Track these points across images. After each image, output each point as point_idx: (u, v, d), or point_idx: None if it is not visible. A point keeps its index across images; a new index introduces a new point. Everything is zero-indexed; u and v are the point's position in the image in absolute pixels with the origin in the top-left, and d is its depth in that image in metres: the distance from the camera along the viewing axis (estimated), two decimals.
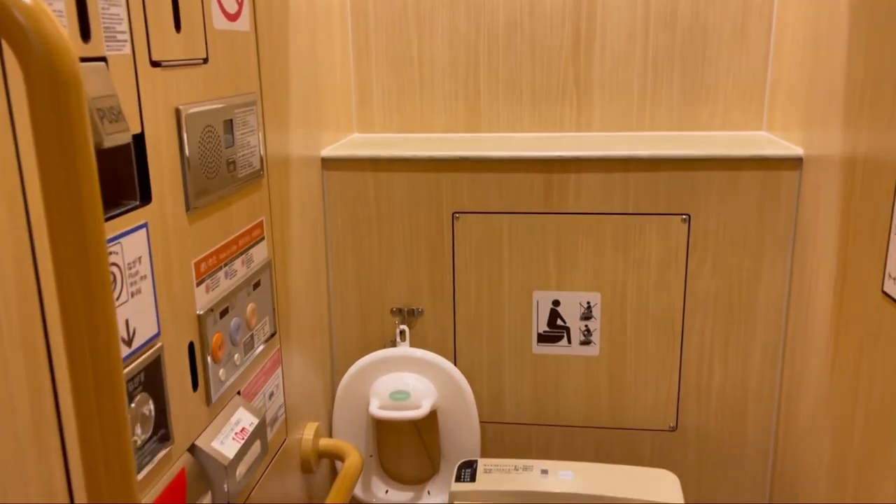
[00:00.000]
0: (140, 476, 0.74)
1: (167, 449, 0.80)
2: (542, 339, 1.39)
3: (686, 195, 1.29)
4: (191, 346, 0.86)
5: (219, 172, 0.91)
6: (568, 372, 1.40)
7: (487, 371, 1.42)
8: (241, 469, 0.91)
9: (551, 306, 1.37)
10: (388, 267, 1.39)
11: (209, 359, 0.89)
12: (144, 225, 0.75)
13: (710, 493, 1.42)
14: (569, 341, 1.38)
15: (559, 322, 1.38)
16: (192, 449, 0.86)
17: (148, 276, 0.76)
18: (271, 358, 1.11)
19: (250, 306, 1.01)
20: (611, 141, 1.40)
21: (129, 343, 0.72)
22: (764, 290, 1.31)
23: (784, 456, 1.32)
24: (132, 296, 0.73)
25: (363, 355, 1.39)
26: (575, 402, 1.41)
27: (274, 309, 1.11)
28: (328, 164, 1.35)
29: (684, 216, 1.30)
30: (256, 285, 1.04)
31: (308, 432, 1.28)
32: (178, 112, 0.81)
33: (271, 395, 1.11)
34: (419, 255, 1.38)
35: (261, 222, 1.06)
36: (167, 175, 0.80)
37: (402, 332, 1.40)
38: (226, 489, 0.87)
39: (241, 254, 0.99)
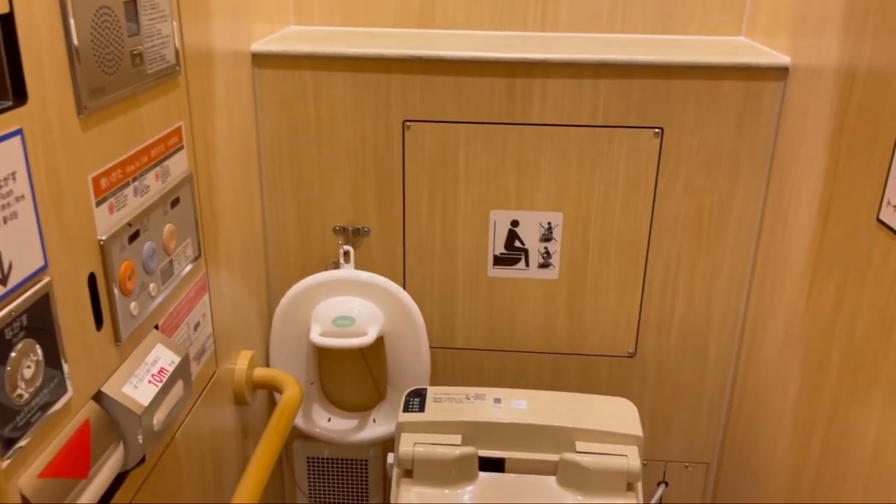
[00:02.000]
0: (23, 442, 0.61)
1: (64, 400, 0.67)
2: (499, 261, 1.29)
3: (660, 106, 1.17)
4: (92, 277, 0.72)
5: (120, 66, 0.74)
6: (525, 296, 1.31)
7: (439, 295, 1.32)
8: (159, 416, 0.79)
9: (509, 227, 1.26)
10: (330, 181, 1.25)
11: (116, 291, 0.75)
12: (19, 132, 0.59)
13: (666, 421, 1.38)
14: (527, 264, 1.28)
15: (517, 244, 1.27)
16: (99, 397, 0.74)
17: (27, 195, 0.61)
18: (196, 285, 0.97)
19: (168, 227, 0.87)
20: (579, 43, 1.26)
21: (2, 281, 0.58)
22: (737, 212, 1.22)
23: (744, 386, 1.28)
24: (4, 222, 0.58)
25: (302, 278, 1.27)
26: (531, 327, 1.33)
27: (197, 229, 0.96)
28: (259, 60, 1.18)
29: (657, 129, 1.18)
30: (175, 203, 0.89)
31: (241, 362, 1.17)
32: None
33: (197, 325, 0.99)
34: (365, 168, 1.24)
35: (178, 128, 0.90)
36: (49, 68, 0.63)
37: (346, 253, 1.28)
38: (140, 440, 0.76)
39: (155, 166, 0.84)
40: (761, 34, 1.26)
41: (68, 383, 0.67)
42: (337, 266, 1.29)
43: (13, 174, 0.59)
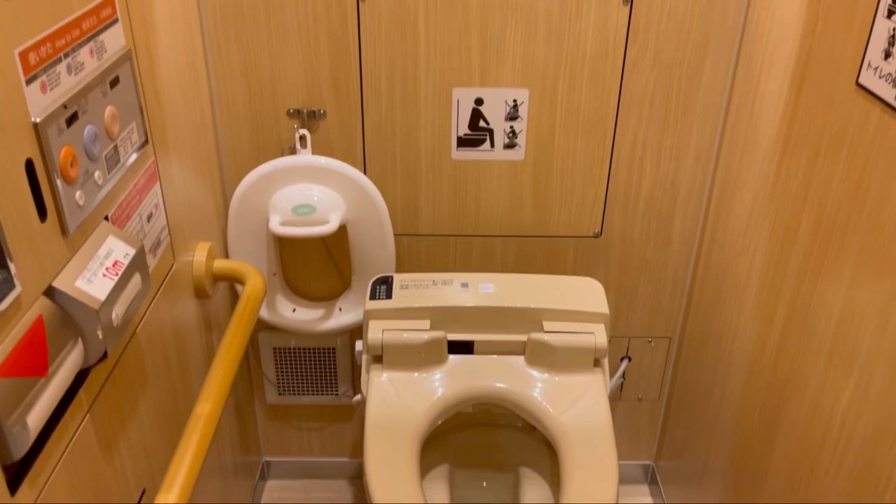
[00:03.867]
0: None
1: (12, 297, 0.62)
2: (463, 142, 1.24)
3: None
4: (29, 164, 0.66)
5: None
6: (490, 178, 1.27)
7: (401, 180, 1.27)
8: (117, 310, 0.75)
9: (473, 105, 1.21)
10: (281, 60, 1.17)
11: (58, 180, 0.70)
12: None
13: (629, 298, 1.39)
14: (492, 145, 1.24)
15: (482, 123, 1.23)
16: (51, 293, 0.69)
17: None
18: (145, 173, 0.91)
19: (109, 109, 0.80)
20: None
21: None
22: (705, 84, 1.19)
23: (708, 260, 1.29)
24: None
25: (257, 165, 1.21)
26: (496, 210, 1.30)
27: (142, 111, 0.89)
28: None
29: None
30: (114, 83, 0.81)
31: (199, 254, 1.12)
32: None
33: (150, 216, 0.93)
34: (318, 46, 1.16)
35: None
36: None
37: (303, 138, 1.21)
38: (100, 336, 0.72)
39: (88, 40, 0.76)
40: None
41: (15, 279, 0.63)
42: (293, 152, 1.23)
43: None
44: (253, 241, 1.26)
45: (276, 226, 1.18)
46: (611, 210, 1.30)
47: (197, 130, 1.13)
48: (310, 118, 1.21)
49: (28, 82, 0.65)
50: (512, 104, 1.21)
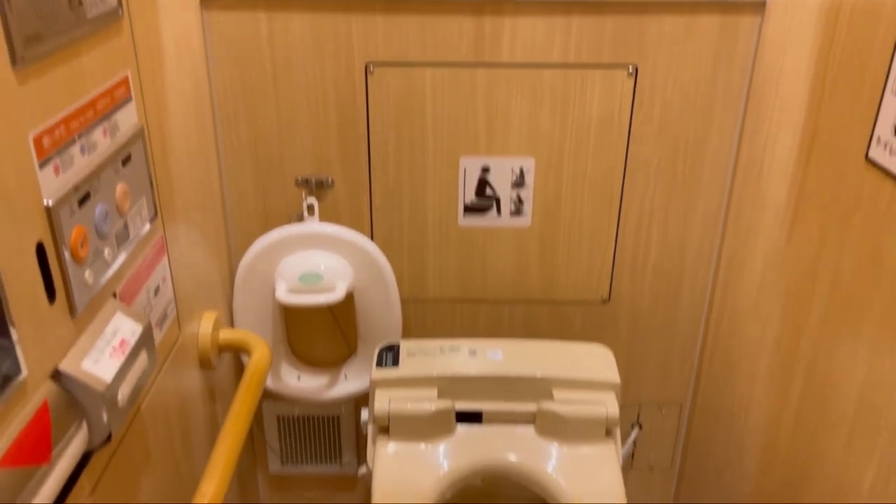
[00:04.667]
0: None
1: (18, 382, 0.61)
2: (470, 210, 1.24)
3: (634, 44, 1.13)
4: (40, 247, 0.65)
5: (57, 11, 0.66)
6: (497, 245, 1.27)
7: (408, 246, 1.27)
8: (123, 390, 0.74)
9: (480, 174, 1.22)
10: (290, 130, 1.18)
11: (68, 260, 0.69)
12: None
13: (639, 365, 1.37)
14: (498, 212, 1.24)
15: (488, 191, 1.23)
16: (57, 375, 0.68)
17: None
18: (154, 246, 0.91)
19: (120, 187, 0.80)
20: None
21: None
22: (711, 151, 1.20)
23: (719, 327, 1.27)
24: None
25: (265, 233, 1.20)
26: (503, 275, 1.30)
27: (152, 187, 0.89)
28: (208, 1, 1.09)
29: (631, 68, 1.14)
30: (126, 160, 0.82)
31: (205, 324, 1.11)
32: None
33: (157, 290, 0.93)
34: (327, 116, 1.17)
35: (125, 79, 0.82)
36: None
37: (311, 207, 1.22)
38: (105, 419, 0.71)
39: (102, 121, 0.76)
40: None
41: (22, 364, 0.62)
42: (301, 219, 1.23)
43: None
44: (259, 308, 1.25)
45: (283, 294, 1.17)
46: (618, 275, 1.30)
47: (205, 200, 1.13)
48: (318, 187, 1.22)
49: (41, 166, 0.65)
50: (518, 172, 1.21)
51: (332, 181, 1.22)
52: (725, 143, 1.19)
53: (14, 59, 0.60)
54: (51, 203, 0.66)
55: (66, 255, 0.69)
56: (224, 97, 1.15)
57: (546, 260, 1.28)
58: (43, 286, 0.66)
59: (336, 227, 1.21)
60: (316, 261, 1.21)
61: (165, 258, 0.95)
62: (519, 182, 1.22)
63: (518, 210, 1.24)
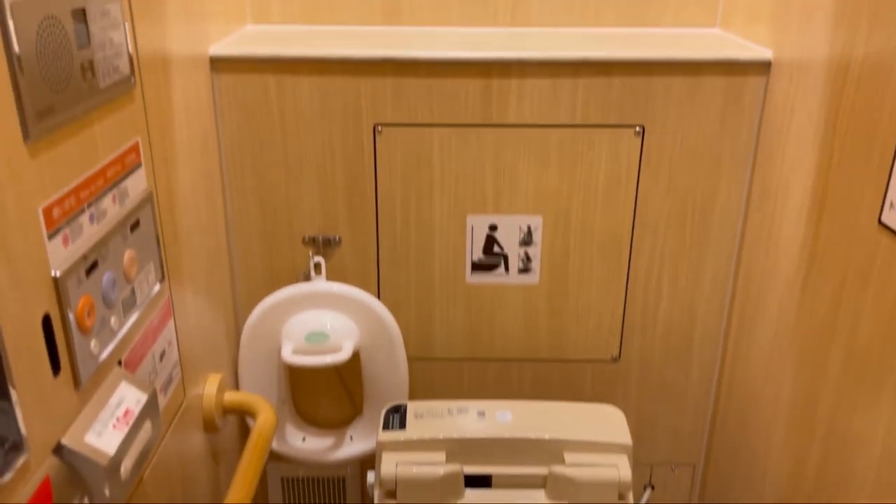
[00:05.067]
0: None
1: (21, 460, 0.60)
2: (477, 267, 1.24)
3: (640, 104, 1.13)
4: (46, 319, 0.64)
5: (70, 83, 0.67)
6: (504, 302, 1.26)
7: (415, 305, 1.26)
8: (126, 463, 0.72)
9: (488, 231, 1.21)
10: (298, 189, 1.18)
11: (74, 331, 0.68)
12: None
13: (650, 424, 1.35)
14: (506, 269, 1.24)
15: (496, 249, 1.22)
16: (59, 449, 0.66)
17: None
18: (160, 310, 0.90)
19: (128, 254, 0.79)
20: (553, 39, 1.21)
21: None
22: (720, 209, 1.19)
23: (731, 386, 1.25)
24: None
25: (271, 293, 1.20)
26: (511, 334, 1.28)
27: (160, 251, 0.89)
28: (218, 64, 1.10)
29: (638, 128, 1.15)
30: (135, 226, 0.81)
31: (210, 386, 1.10)
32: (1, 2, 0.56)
33: (162, 354, 0.91)
34: (334, 176, 1.17)
35: (135, 145, 0.82)
36: None
37: (318, 265, 1.21)
38: (107, 494, 0.69)
39: (111, 188, 0.76)
40: (738, 26, 1.23)
41: (24, 442, 0.60)
42: (307, 278, 1.22)
43: None
44: (264, 368, 1.23)
45: (289, 355, 1.16)
46: (628, 333, 1.28)
47: (212, 259, 1.12)
48: (325, 245, 1.21)
49: (51, 237, 0.65)
50: (526, 230, 1.21)
51: (340, 239, 1.21)
52: (734, 201, 1.19)
53: (26, 135, 0.60)
54: (58, 274, 0.65)
55: (73, 325, 0.68)
56: (232, 157, 1.16)
57: (555, 318, 1.27)
58: (48, 358, 0.65)
59: (343, 285, 1.20)
60: (322, 320, 1.19)
61: (172, 321, 0.94)
62: (527, 240, 1.22)
63: (526, 268, 1.23)
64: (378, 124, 1.14)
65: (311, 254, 1.22)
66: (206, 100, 1.09)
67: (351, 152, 1.16)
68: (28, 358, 0.62)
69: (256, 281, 1.24)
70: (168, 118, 0.93)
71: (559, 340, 1.28)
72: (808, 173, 0.98)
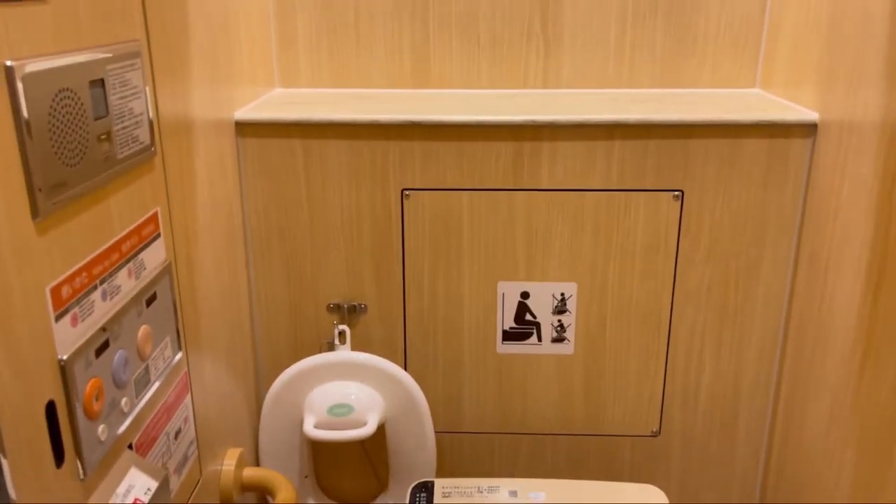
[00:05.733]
0: None
1: None
2: (509, 336, 1.18)
3: (679, 168, 1.09)
4: (50, 406, 0.60)
5: (85, 156, 0.64)
6: (537, 373, 1.20)
7: (444, 375, 1.21)
8: None
9: (519, 299, 1.16)
10: (323, 255, 1.14)
11: (81, 417, 0.64)
12: None
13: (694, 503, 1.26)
14: (539, 339, 1.18)
15: (528, 317, 1.17)
16: None
17: None
18: (176, 387, 0.86)
19: (143, 329, 0.76)
20: (586, 101, 1.18)
21: None
22: (764, 278, 1.13)
23: (782, 465, 1.17)
24: None
25: (294, 362, 1.15)
26: (545, 406, 1.22)
27: (178, 324, 0.85)
28: (244, 128, 1.08)
29: (676, 192, 1.10)
30: (151, 300, 0.78)
31: (228, 462, 1.04)
32: (9, 71, 0.54)
33: (177, 433, 0.87)
34: (361, 241, 1.14)
35: (154, 215, 0.79)
36: None
37: (342, 334, 1.17)
38: None
39: (127, 262, 0.73)
40: (778, 86, 1.19)
41: None
42: (331, 347, 1.18)
43: None
44: (286, 441, 1.18)
45: (311, 429, 1.10)
46: (669, 407, 1.21)
47: (233, 327, 1.09)
48: (350, 313, 1.17)
49: (58, 318, 0.61)
50: (559, 298, 1.15)
51: (365, 307, 1.17)
52: (779, 269, 1.12)
53: (35, 212, 0.57)
54: (65, 358, 0.61)
55: (79, 412, 0.64)
56: (257, 222, 1.13)
57: (591, 390, 1.20)
58: (51, 450, 0.60)
59: (367, 355, 1.15)
60: (346, 391, 1.14)
61: (189, 396, 0.90)
62: (560, 308, 1.16)
63: (560, 337, 1.18)
64: (406, 189, 1.10)
65: (335, 322, 1.17)
66: (230, 165, 1.07)
67: (378, 217, 1.12)
68: (28, 449, 0.57)
69: (279, 350, 1.19)
70: (190, 185, 0.90)
71: (595, 413, 1.22)
72: (864, 242, 0.92)
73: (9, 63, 0.54)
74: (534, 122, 1.06)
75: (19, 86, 0.55)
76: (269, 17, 1.24)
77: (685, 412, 1.21)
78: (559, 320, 1.17)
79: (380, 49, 1.26)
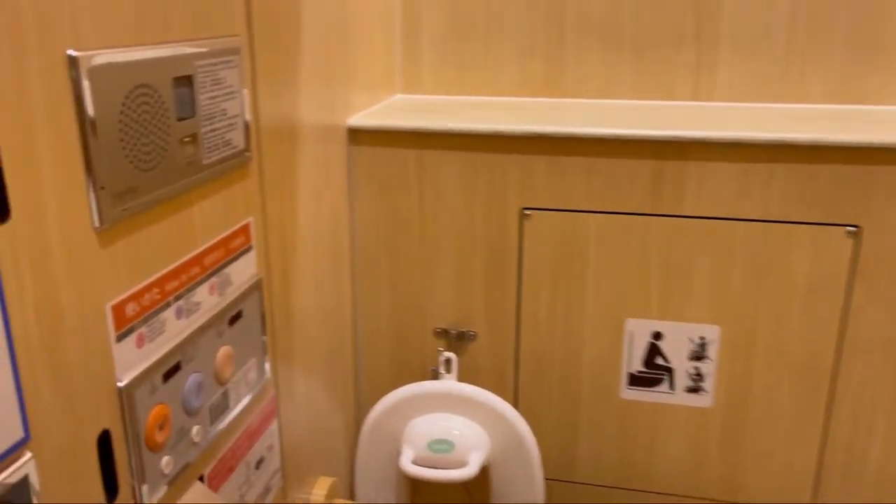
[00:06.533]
0: None
1: None
2: (636, 380, 1.04)
3: (856, 199, 0.91)
4: (104, 436, 0.54)
5: (164, 160, 0.58)
6: (667, 425, 1.05)
7: (558, 417, 1.08)
8: None
9: (651, 339, 1.02)
10: (433, 275, 1.05)
11: (141, 448, 0.58)
12: None
13: None
14: (671, 386, 1.03)
15: (660, 361, 1.02)
16: None
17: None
18: (261, 412, 0.79)
19: (223, 351, 0.69)
20: (743, 116, 1.02)
21: None
22: None
23: None
24: None
25: (396, 388, 1.07)
26: (674, 463, 1.06)
27: (266, 345, 0.78)
28: (357, 135, 1.01)
29: (851, 228, 0.92)
30: (235, 318, 0.71)
31: (318, 492, 0.97)
32: (72, 63, 0.48)
33: (259, 462, 0.80)
34: (474, 262, 1.03)
35: (246, 227, 0.73)
36: (50, 172, 0.47)
37: (448, 362, 1.07)
38: None
39: (209, 277, 0.67)
40: None
41: None
42: (436, 376, 1.08)
43: None
44: (383, 472, 1.10)
45: (408, 464, 1.01)
46: (827, 478, 1.02)
47: (333, 347, 1.02)
48: (458, 340, 1.07)
49: (120, 338, 0.55)
50: (698, 342, 1.00)
51: (475, 334, 1.07)
52: None
53: (100, 219, 0.51)
54: (125, 383, 0.55)
55: (139, 442, 0.57)
56: (366, 236, 1.06)
57: (730, 450, 1.04)
58: (101, 484, 0.54)
59: (474, 388, 1.05)
60: (449, 425, 1.04)
61: (275, 422, 0.83)
62: (699, 354, 1.01)
63: (697, 387, 1.02)
64: (527, 208, 0.99)
65: (441, 349, 1.08)
66: (339, 174, 1.00)
67: (494, 237, 1.02)
68: (74, 485, 0.51)
69: (381, 373, 1.11)
70: (291, 194, 0.84)
71: (735, 478, 1.05)
72: None
73: (72, 53, 0.48)
74: (679, 138, 0.92)
75: (84, 79, 0.49)
76: (393, 19, 1.17)
77: (846, 488, 1.02)
78: (696, 367, 1.01)
79: (510, 53, 1.15)
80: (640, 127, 0.94)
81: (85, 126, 0.49)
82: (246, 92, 0.70)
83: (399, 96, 1.21)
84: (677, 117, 1.02)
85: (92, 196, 0.51)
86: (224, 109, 0.66)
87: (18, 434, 0.46)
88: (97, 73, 0.50)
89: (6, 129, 0.43)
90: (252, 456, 0.78)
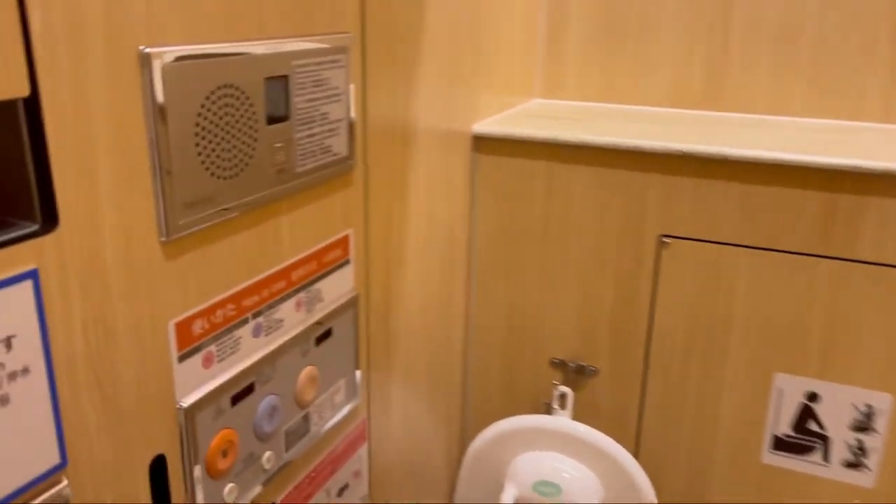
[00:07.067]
0: None
1: None
2: (782, 445, 0.89)
3: None
4: (158, 461, 0.50)
5: (248, 166, 0.53)
6: (816, 500, 0.89)
7: (685, 474, 0.95)
8: None
9: (804, 401, 0.87)
10: (554, 300, 0.96)
11: (199, 475, 0.53)
12: (31, 274, 0.39)
13: None
14: (825, 458, 0.87)
15: (813, 426, 0.87)
16: None
17: (35, 366, 0.40)
18: (348, 437, 0.74)
19: (306, 372, 0.64)
20: None
21: None
22: None
23: None
24: None
25: (504, 417, 0.98)
26: None
27: (358, 366, 0.73)
28: (481, 143, 0.94)
29: None
30: (324, 337, 0.66)
31: None
32: (144, 59, 0.44)
33: (343, 489, 0.75)
34: (602, 290, 0.93)
35: (344, 239, 0.67)
36: (108, 175, 0.43)
37: (563, 397, 0.97)
38: None
39: (296, 292, 0.62)
40: None
41: None
42: (549, 410, 0.99)
43: (8, 339, 0.39)
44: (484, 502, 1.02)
45: (509, 502, 0.93)
46: None
47: (440, 367, 0.95)
48: (576, 373, 0.97)
49: (182, 358, 0.51)
50: (864, 410, 0.84)
51: (596, 370, 0.96)
52: None
53: (164, 230, 0.47)
54: (186, 405, 0.51)
55: (199, 469, 0.53)
56: (485, 252, 0.98)
57: None
58: None
59: (591, 430, 0.94)
60: (558, 467, 0.95)
61: (365, 447, 0.78)
62: (863, 424, 0.84)
63: (857, 462, 0.86)
64: (666, 235, 0.87)
65: (556, 382, 0.98)
66: (460, 184, 0.93)
67: (626, 265, 0.91)
68: None
69: (490, 401, 1.03)
70: (401, 205, 0.78)
71: None
72: None
73: (144, 49, 0.44)
74: (860, 168, 0.77)
75: (157, 77, 0.44)
76: (537, 19, 1.08)
77: None
78: (859, 440, 0.85)
79: (664, 60, 1.03)
80: (812, 152, 0.80)
81: (155, 128, 0.45)
82: (353, 93, 0.65)
83: (537, 101, 1.12)
84: (861, 142, 0.86)
85: (159, 205, 0.46)
86: (325, 113, 0.61)
87: (54, 459, 0.42)
88: (173, 70, 0.45)
89: (58, 128, 0.39)
90: (334, 483, 0.73)
